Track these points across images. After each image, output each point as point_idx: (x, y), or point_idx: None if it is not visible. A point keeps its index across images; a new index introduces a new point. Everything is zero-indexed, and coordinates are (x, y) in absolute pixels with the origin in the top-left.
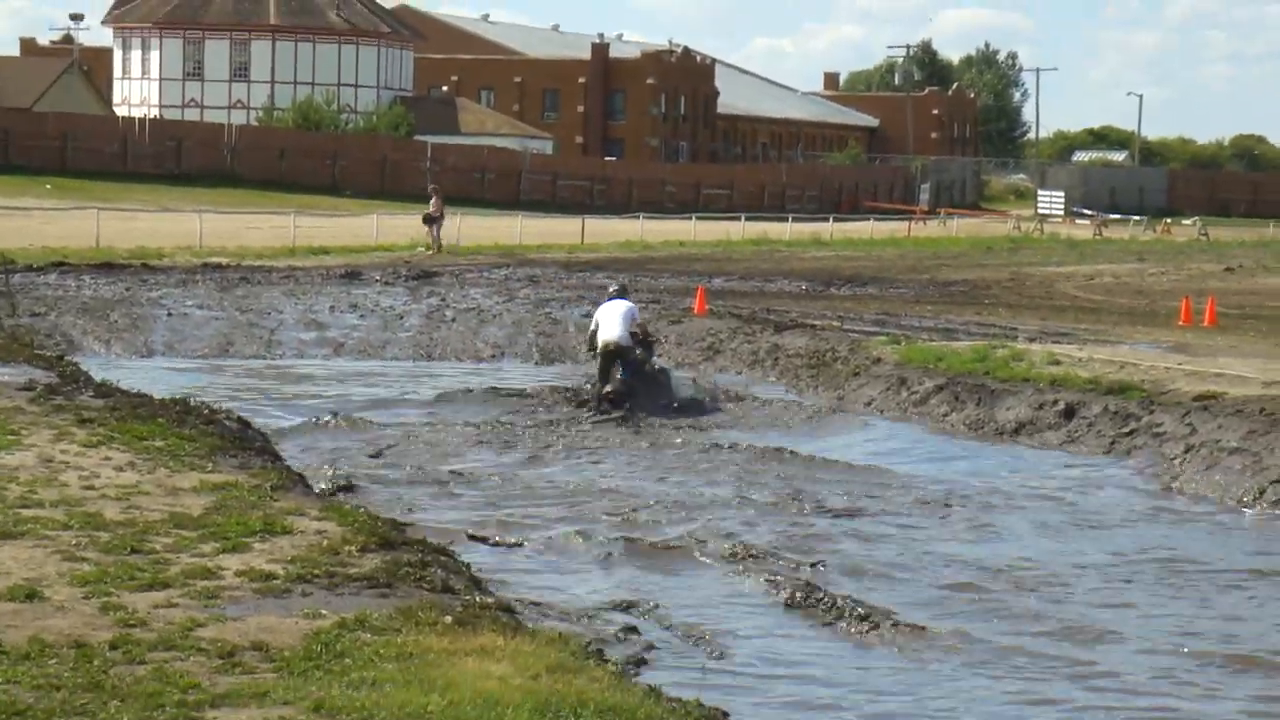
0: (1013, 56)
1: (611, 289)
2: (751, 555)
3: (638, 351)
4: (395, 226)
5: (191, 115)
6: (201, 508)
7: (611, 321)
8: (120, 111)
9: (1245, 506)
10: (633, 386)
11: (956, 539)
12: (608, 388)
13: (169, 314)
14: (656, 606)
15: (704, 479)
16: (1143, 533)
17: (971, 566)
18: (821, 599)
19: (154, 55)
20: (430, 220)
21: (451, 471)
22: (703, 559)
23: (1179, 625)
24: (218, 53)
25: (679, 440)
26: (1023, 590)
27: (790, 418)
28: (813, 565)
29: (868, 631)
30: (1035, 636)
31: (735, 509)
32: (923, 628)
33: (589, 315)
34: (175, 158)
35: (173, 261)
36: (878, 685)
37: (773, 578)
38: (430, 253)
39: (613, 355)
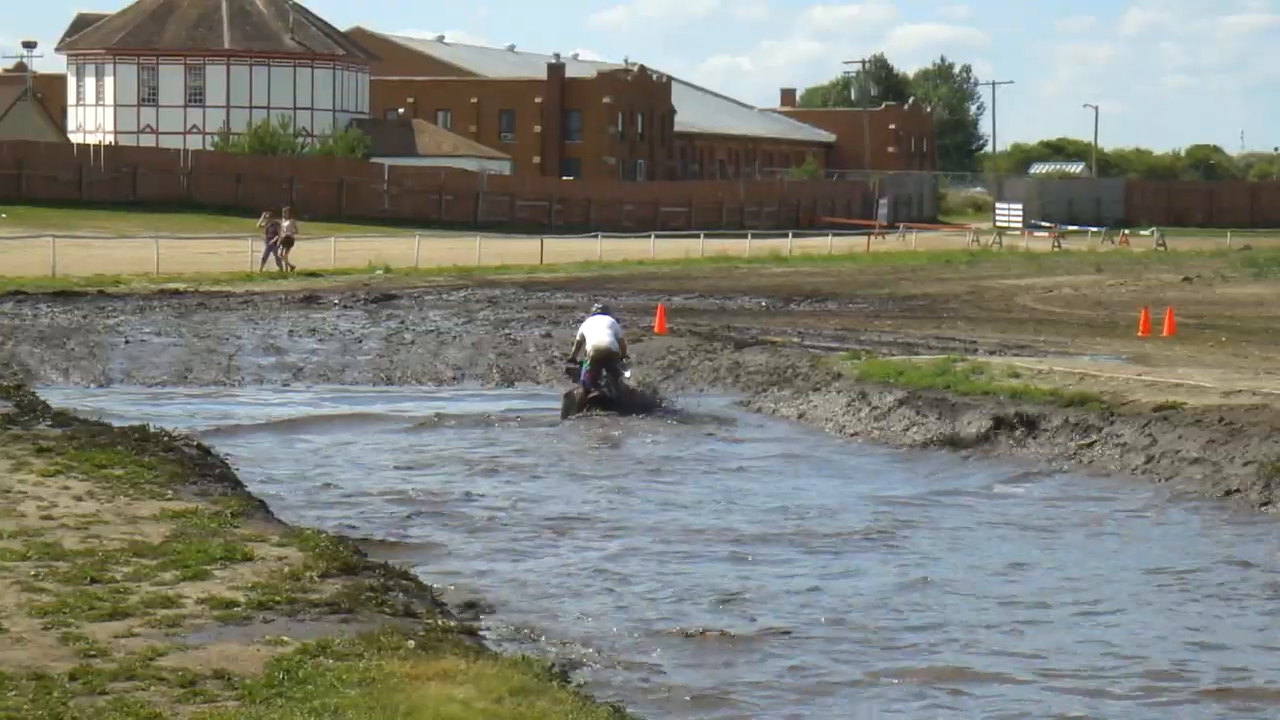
0: (968, 70)
1: (595, 307)
2: None
3: (624, 359)
4: (353, 249)
5: (147, 141)
6: (161, 536)
7: (601, 331)
8: (75, 139)
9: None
10: (622, 391)
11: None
12: (594, 392)
13: (126, 341)
14: None
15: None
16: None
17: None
18: None
19: (108, 82)
20: (289, 243)
21: None
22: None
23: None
24: (172, 78)
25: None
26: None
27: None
28: None
29: None
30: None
31: None
32: None
33: (549, 335)
34: (131, 184)
35: (130, 288)
36: None
37: None
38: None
39: (603, 361)
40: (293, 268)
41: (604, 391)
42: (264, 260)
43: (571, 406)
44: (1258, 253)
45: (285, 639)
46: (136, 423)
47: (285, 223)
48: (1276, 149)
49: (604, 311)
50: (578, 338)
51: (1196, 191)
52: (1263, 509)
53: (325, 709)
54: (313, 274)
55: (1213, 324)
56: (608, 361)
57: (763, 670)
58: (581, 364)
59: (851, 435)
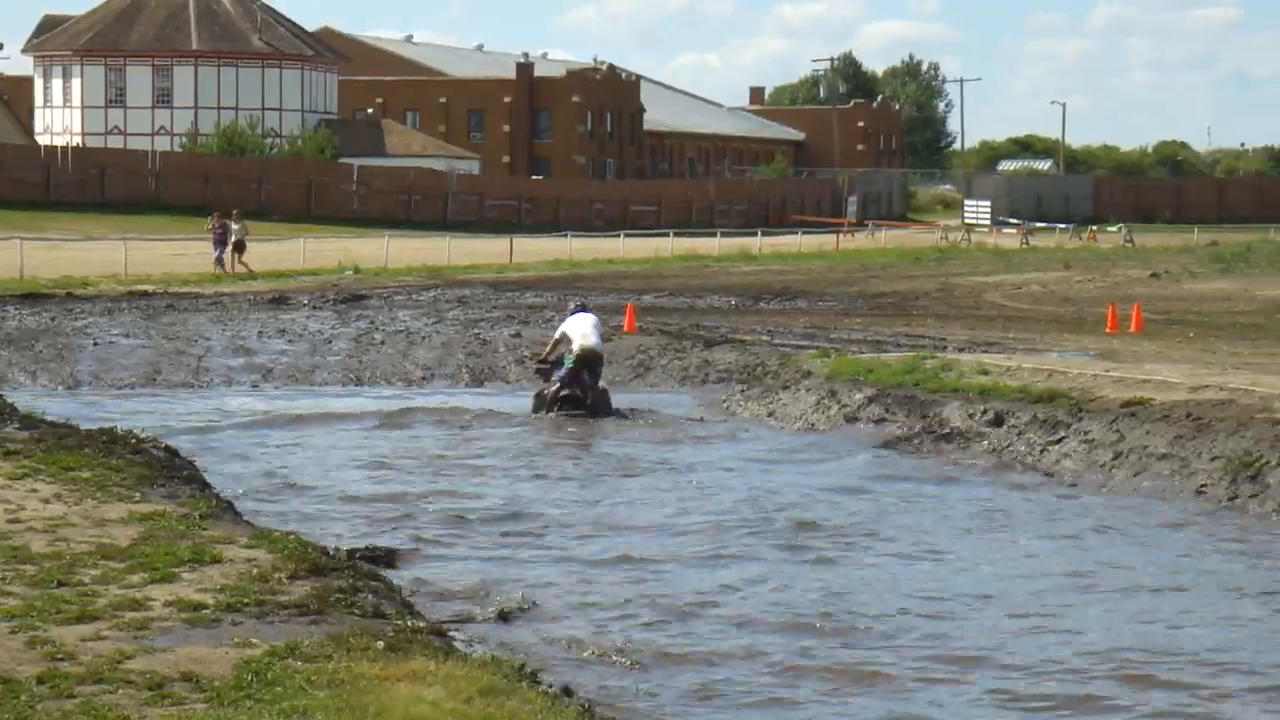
0: (936, 67)
1: (574, 304)
2: None
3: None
4: (322, 250)
5: (115, 142)
6: (129, 538)
7: (587, 331)
8: (42, 140)
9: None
10: (599, 393)
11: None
12: (566, 391)
13: (95, 343)
14: None
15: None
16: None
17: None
18: None
19: (75, 83)
20: (240, 247)
21: None
22: None
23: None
24: (140, 79)
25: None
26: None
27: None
28: None
29: None
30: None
31: None
32: None
33: (519, 335)
34: (99, 186)
35: (98, 290)
36: None
37: None
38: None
39: (587, 361)
40: (249, 269)
41: (575, 392)
42: (219, 261)
43: (542, 405)
44: (1224, 248)
45: (254, 641)
46: (106, 424)
47: (235, 225)
48: (1243, 145)
49: (584, 309)
50: (558, 335)
51: (1164, 188)
52: (1230, 503)
53: (294, 711)
54: (252, 276)
55: (1180, 320)
56: (591, 363)
57: (737, 669)
58: (562, 362)
59: (821, 432)
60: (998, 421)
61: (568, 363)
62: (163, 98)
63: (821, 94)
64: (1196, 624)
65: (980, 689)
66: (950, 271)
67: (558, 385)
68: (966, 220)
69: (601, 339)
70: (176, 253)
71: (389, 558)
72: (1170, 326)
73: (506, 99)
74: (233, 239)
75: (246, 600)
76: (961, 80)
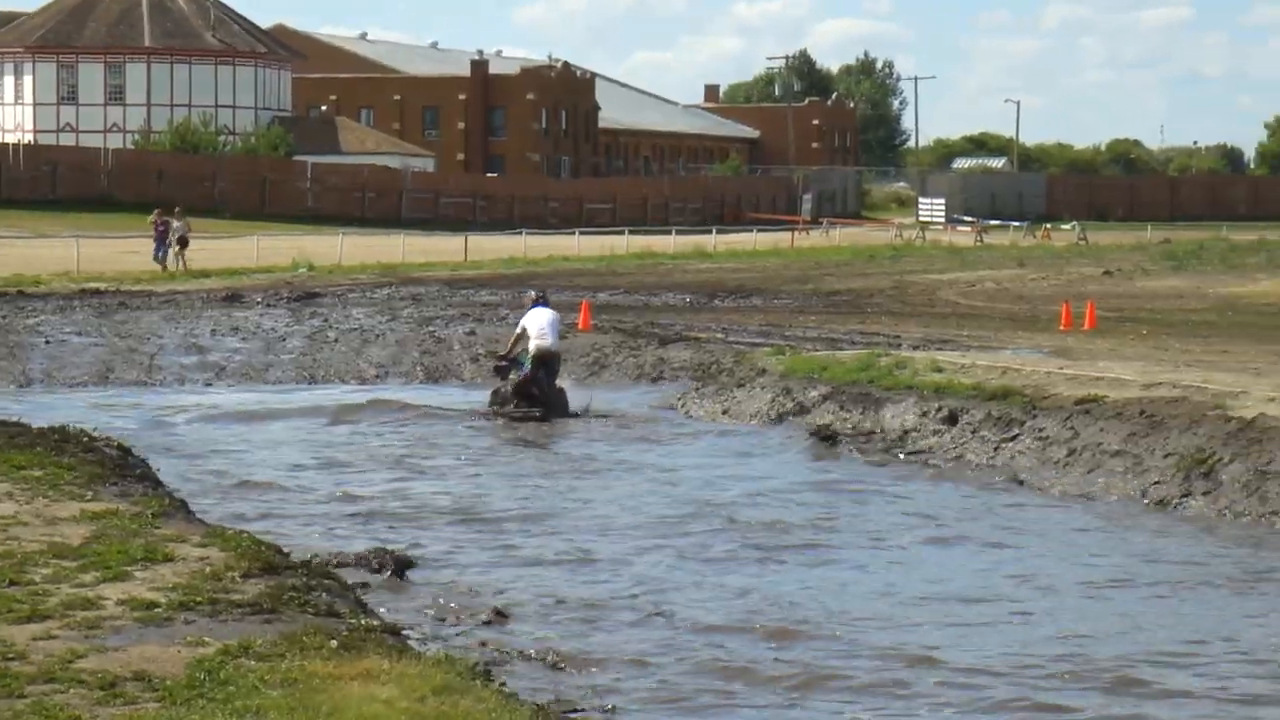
0: (890, 65)
1: (533, 294)
2: None
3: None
4: (276, 248)
5: (67, 140)
6: (81, 537)
7: (545, 329)
8: None
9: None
10: (556, 392)
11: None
12: (523, 389)
13: (47, 341)
14: None
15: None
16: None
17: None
18: None
19: (27, 80)
20: (184, 243)
21: None
22: None
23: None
24: (92, 76)
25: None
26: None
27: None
28: None
29: None
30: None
31: None
32: None
33: (473, 333)
34: (50, 183)
35: (50, 288)
36: None
37: None
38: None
39: (544, 361)
40: (186, 267)
41: (532, 390)
42: (161, 257)
43: (499, 403)
44: (1177, 246)
45: (206, 640)
46: (58, 423)
47: (177, 223)
48: (1195, 143)
49: (544, 301)
50: (519, 330)
51: (1117, 186)
52: (1182, 499)
53: (247, 710)
54: (203, 273)
55: (1133, 317)
56: (549, 362)
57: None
58: (519, 361)
59: (775, 429)
60: (952, 419)
61: (525, 362)
62: (115, 95)
63: (776, 92)
64: (1146, 619)
65: (924, 689)
66: (904, 269)
67: (520, 378)
68: (921, 218)
69: (559, 337)
70: (129, 250)
71: (401, 565)
72: (1123, 324)
73: (461, 96)
74: (175, 235)
75: (199, 599)
76: (916, 78)
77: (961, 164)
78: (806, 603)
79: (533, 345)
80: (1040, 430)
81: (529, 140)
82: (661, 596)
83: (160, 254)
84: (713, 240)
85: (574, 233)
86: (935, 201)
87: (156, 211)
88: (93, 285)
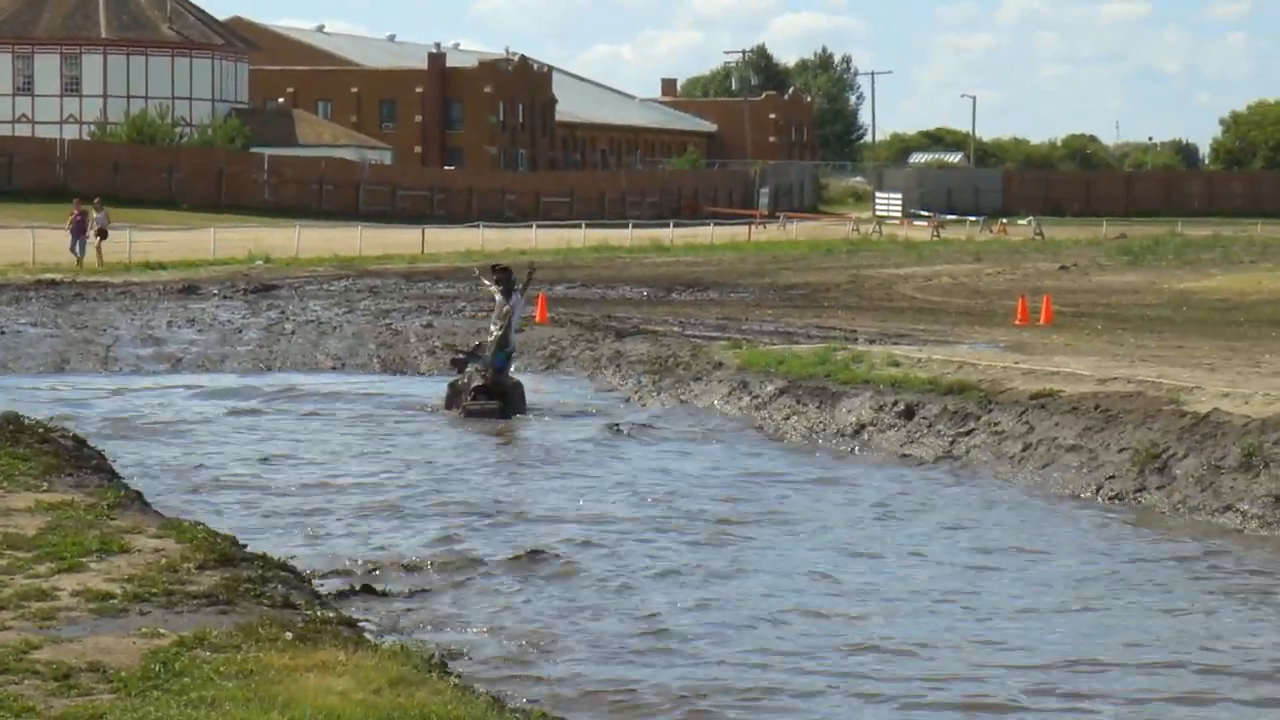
0: (847, 60)
1: (493, 278)
2: None
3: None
4: (233, 240)
5: (22, 130)
6: (36, 528)
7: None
8: None
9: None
10: (513, 385)
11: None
12: (479, 382)
13: (2, 332)
14: None
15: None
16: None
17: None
18: None
19: None
20: (103, 234)
21: None
22: None
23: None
24: (48, 67)
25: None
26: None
27: None
28: None
29: None
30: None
31: None
32: None
33: (430, 325)
34: (6, 174)
35: (5, 279)
36: None
37: None
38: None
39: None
40: (101, 259)
41: (488, 383)
42: (77, 249)
43: (456, 396)
44: (1133, 241)
45: (162, 631)
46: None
47: (97, 214)
48: (1151, 139)
49: (507, 280)
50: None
51: (1073, 181)
52: (1136, 494)
53: (202, 701)
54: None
55: (1089, 312)
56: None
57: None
58: (476, 354)
59: (731, 423)
60: (908, 413)
61: (499, 355)
62: (71, 86)
63: (733, 86)
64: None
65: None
66: (861, 264)
67: (471, 376)
68: (878, 212)
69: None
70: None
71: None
72: (1079, 319)
73: (418, 89)
74: (94, 227)
75: (155, 590)
76: (873, 73)
77: (918, 159)
78: (748, 593)
79: (492, 337)
80: (995, 425)
81: (486, 133)
82: (620, 590)
83: (77, 246)
84: (670, 234)
85: (531, 226)
86: (892, 196)
87: (74, 202)
88: (48, 276)
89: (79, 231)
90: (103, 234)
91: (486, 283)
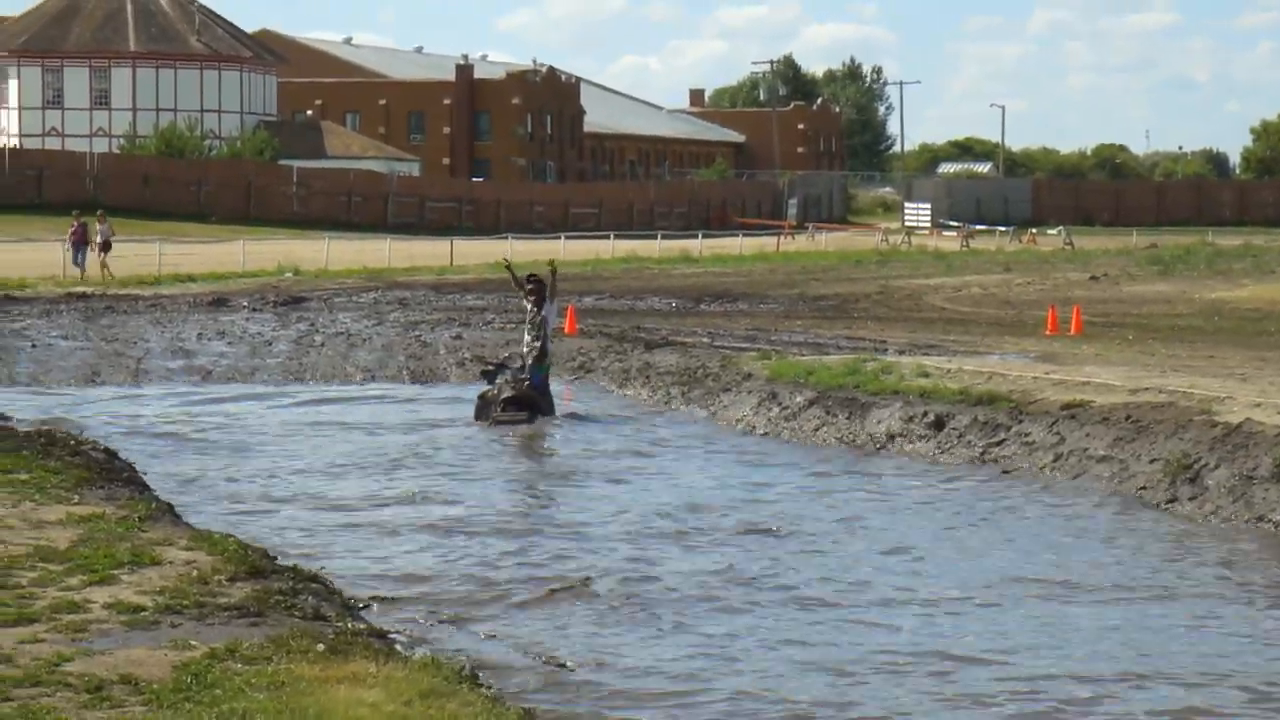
0: (877, 70)
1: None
2: None
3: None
4: (262, 252)
5: (52, 144)
6: (68, 540)
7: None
8: None
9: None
10: (543, 396)
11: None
12: (509, 393)
13: (33, 345)
14: None
15: None
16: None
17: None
18: None
19: (12, 84)
20: (106, 247)
21: None
22: None
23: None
24: (77, 80)
25: None
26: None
27: None
28: None
29: None
30: None
31: None
32: None
33: (459, 337)
34: (36, 187)
35: (36, 292)
36: None
37: None
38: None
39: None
40: (109, 272)
41: (519, 394)
42: (79, 262)
43: (486, 408)
44: (1163, 251)
45: (193, 643)
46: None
47: (101, 226)
48: (1181, 148)
49: (540, 286)
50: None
51: (1103, 191)
52: (1168, 505)
53: (233, 713)
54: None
55: (1120, 322)
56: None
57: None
58: (505, 366)
59: (761, 435)
60: (938, 424)
61: (539, 369)
62: (100, 99)
63: (761, 96)
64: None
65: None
66: (890, 274)
67: (501, 387)
68: (906, 223)
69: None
70: (115, 255)
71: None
72: (1110, 329)
73: (446, 101)
74: (98, 240)
75: (186, 602)
76: (901, 83)
77: (947, 169)
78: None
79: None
80: (1026, 435)
81: (514, 145)
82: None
83: (79, 259)
84: (699, 245)
85: (560, 237)
86: (921, 206)
87: (75, 214)
88: (79, 289)
89: (79, 244)
90: (105, 247)
91: (514, 282)
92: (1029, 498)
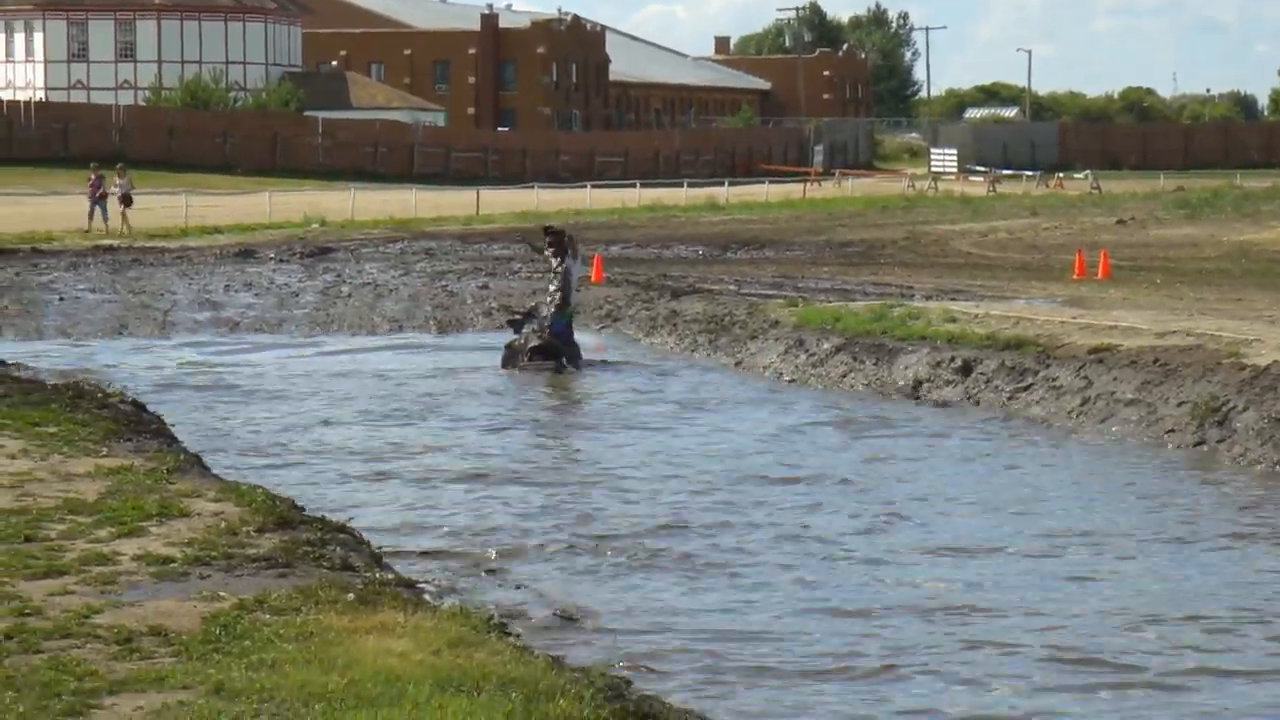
0: (903, 16)
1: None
2: None
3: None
4: (288, 203)
5: (78, 97)
6: (97, 493)
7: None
8: (4, 95)
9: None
10: (569, 345)
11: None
12: (536, 342)
13: (61, 298)
14: None
15: None
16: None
17: None
18: None
19: (37, 38)
20: (128, 200)
21: None
22: None
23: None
24: (102, 33)
25: None
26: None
27: None
28: None
29: None
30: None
31: None
32: None
33: (486, 287)
34: (63, 140)
35: (63, 245)
36: None
37: None
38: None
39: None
40: (129, 226)
41: (545, 343)
42: (90, 215)
43: (513, 357)
44: (1191, 194)
45: (222, 594)
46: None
47: (120, 179)
48: (1209, 91)
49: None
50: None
51: (1130, 134)
52: (1196, 448)
53: (263, 663)
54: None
55: (1147, 266)
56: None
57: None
58: (532, 315)
59: (789, 381)
60: (965, 369)
61: (564, 315)
62: (125, 52)
63: (787, 43)
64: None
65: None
66: (917, 220)
67: (528, 336)
68: (933, 169)
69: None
70: (142, 207)
71: None
72: (1137, 273)
73: (471, 50)
74: (117, 193)
75: (214, 554)
76: (927, 29)
77: (974, 114)
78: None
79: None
80: (1054, 380)
81: (539, 94)
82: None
83: (97, 211)
84: (725, 192)
85: (585, 186)
86: (948, 152)
87: (92, 167)
88: (106, 242)
89: (97, 197)
90: (126, 200)
91: (535, 248)
92: (1054, 442)
